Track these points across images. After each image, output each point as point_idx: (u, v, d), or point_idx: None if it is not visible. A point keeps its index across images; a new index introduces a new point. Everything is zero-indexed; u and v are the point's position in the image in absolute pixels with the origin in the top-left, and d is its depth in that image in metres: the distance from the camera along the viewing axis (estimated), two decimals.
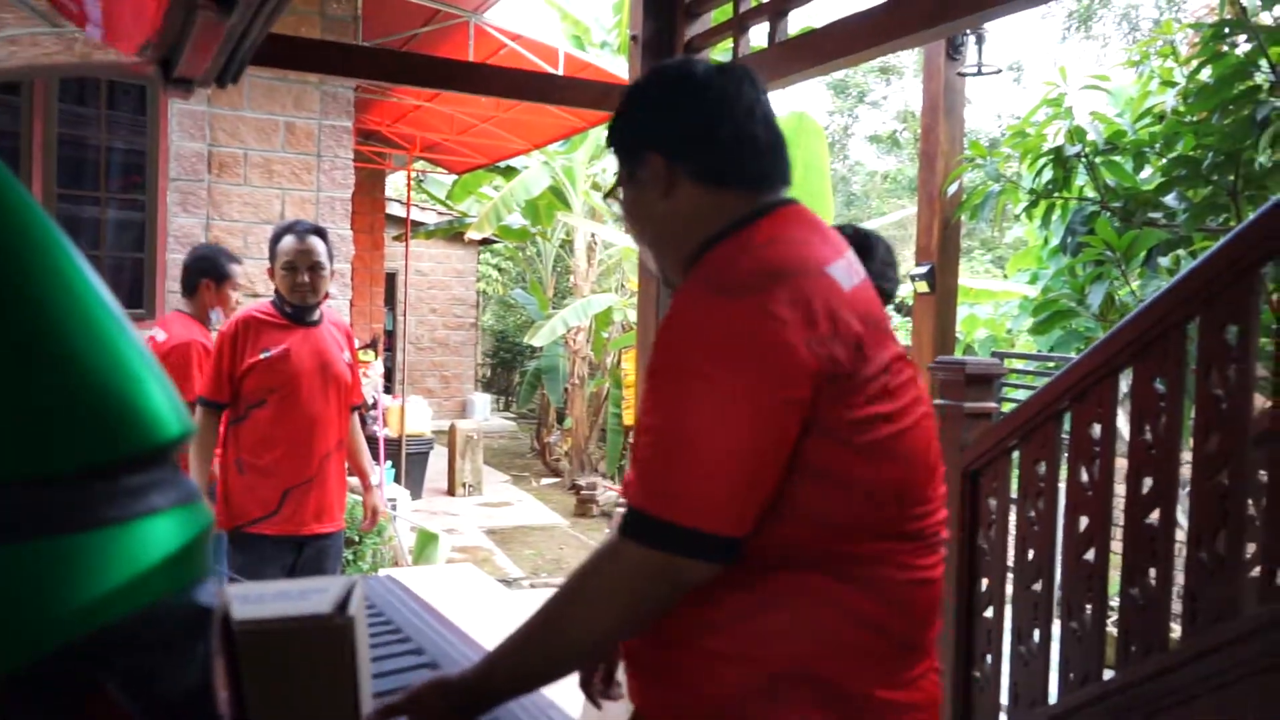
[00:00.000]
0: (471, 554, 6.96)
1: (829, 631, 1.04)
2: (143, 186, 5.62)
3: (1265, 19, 3.55)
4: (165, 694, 0.74)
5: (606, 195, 1.34)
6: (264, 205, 5.88)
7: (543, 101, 3.94)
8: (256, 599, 1.18)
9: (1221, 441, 2.08)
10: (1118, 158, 4.09)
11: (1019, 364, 6.36)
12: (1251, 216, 2.02)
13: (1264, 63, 3.32)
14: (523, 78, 3.93)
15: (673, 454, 1.02)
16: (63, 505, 0.68)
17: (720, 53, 3.72)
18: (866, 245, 2.08)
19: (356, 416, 3.37)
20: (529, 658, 1.10)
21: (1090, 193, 4.22)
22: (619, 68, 7.16)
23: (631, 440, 3.73)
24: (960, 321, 9.77)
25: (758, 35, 3.58)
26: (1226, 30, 3.39)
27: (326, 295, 3.18)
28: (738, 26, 3.44)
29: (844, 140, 20.45)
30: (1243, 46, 3.48)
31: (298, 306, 3.11)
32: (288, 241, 3.10)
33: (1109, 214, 4.03)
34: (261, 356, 3.03)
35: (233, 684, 1.06)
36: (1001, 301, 7.92)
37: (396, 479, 8.00)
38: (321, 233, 3.15)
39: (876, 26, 2.83)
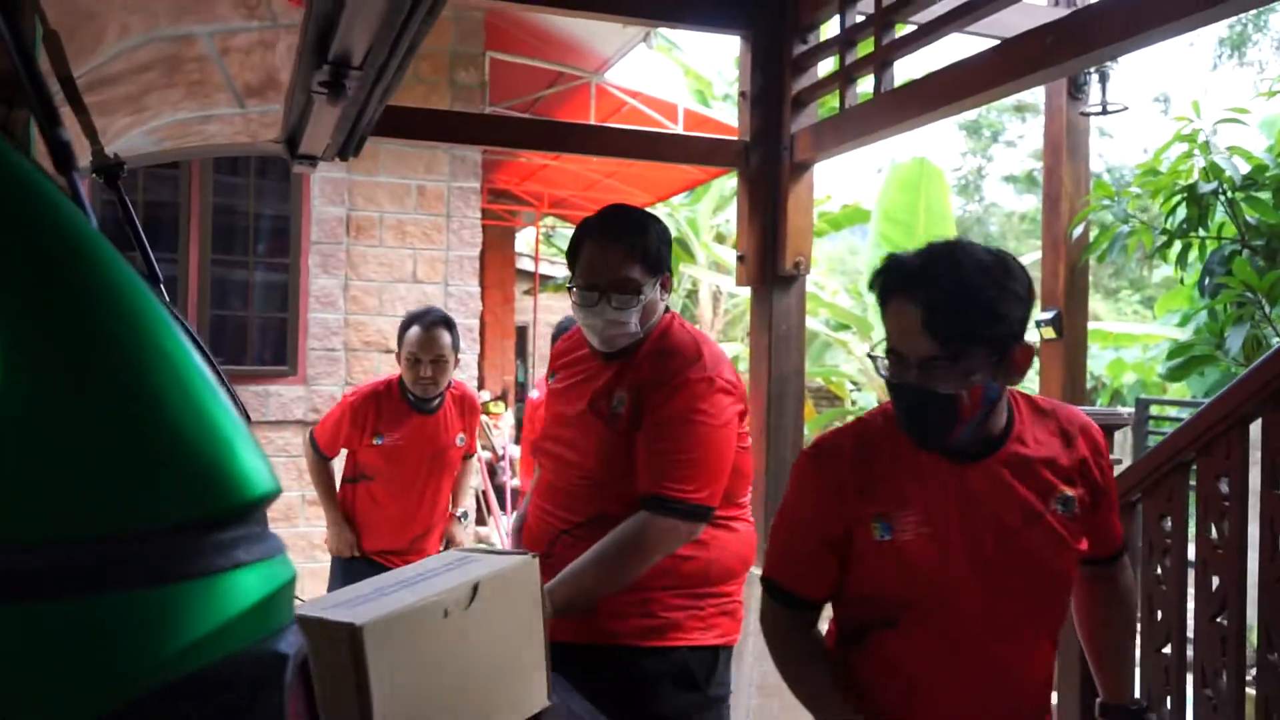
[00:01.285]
0: None
1: None
2: (287, 250, 5.98)
3: None
4: None
5: None
6: (397, 265, 6.18)
7: (653, 159, 4.04)
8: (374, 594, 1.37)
9: None
10: (1260, 194, 3.89)
11: (1172, 410, 6.04)
12: None
13: None
14: (635, 136, 4.04)
15: None
16: (157, 559, 0.75)
17: (828, 109, 3.74)
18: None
19: (470, 462, 3.51)
20: None
21: (1232, 231, 4.02)
22: None
23: None
24: (1106, 366, 9.35)
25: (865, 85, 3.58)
26: None
27: (449, 386, 3.28)
28: (844, 78, 3.45)
29: (978, 181, 19.98)
30: None
31: (418, 397, 3.21)
32: (414, 333, 3.13)
33: (1250, 253, 3.83)
34: (375, 442, 3.17)
35: None
36: (1150, 345, 7.56)
37: None
38: (449, 324, 3.19)
39: (984, 72, 2.80)
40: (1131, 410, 6.90)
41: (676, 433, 1.79)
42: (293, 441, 5.89)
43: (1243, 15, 15.17)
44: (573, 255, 1.95)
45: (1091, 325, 8.16)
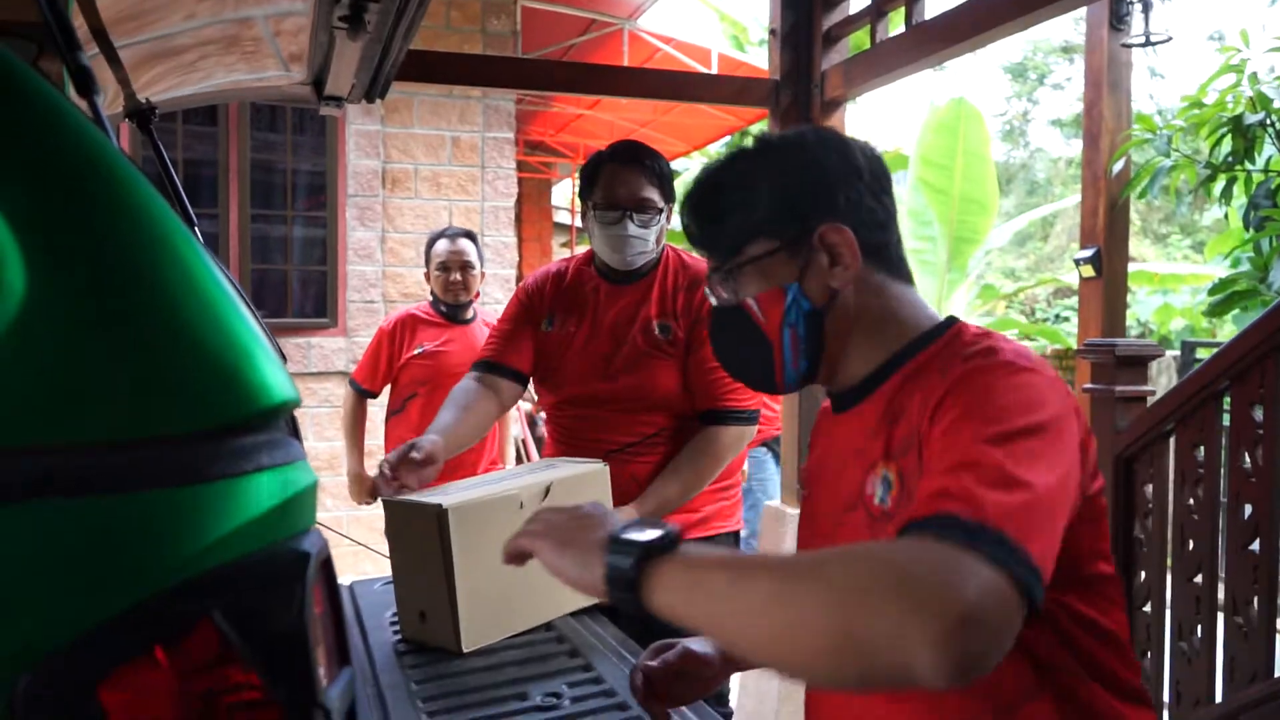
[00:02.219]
0: None
1: None
2: (324, 204, 6.05)
3: None
4: (265, 629, 0.85)
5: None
6: (433, 217, 6.22)
7: (682, 99, 4.00)
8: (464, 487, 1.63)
9: None
10: None
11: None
12: None
13: None
14: (664, 77, 4.01)
15: None
16: (178, 461, 0.79)
17: (857, 44, 3.67)
18: None
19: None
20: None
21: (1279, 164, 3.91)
22: None
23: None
24: (1154, 312, 9.18)
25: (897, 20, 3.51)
26: None
27: (477, 295, 3.38)
28: (875, 12, 3.39)
29: (1024, 126, 19.55)
30: None
31: (451, 305, 3.36)
32: (441, 245, 3.36)
33: None
34: (416, 352, 3.26)
35: (332, 631, 1.18)
36: (1199, 288, 7.41)
37: None
38: (471, 236, 3.39)
39: (1007, 1, 2.73)
40: (1168, 353, 6.78)
41: None
42: (335, 392, 5.99)
43: None
44: (590, 181, 2.04)
45: (1137, 267, 8.01)
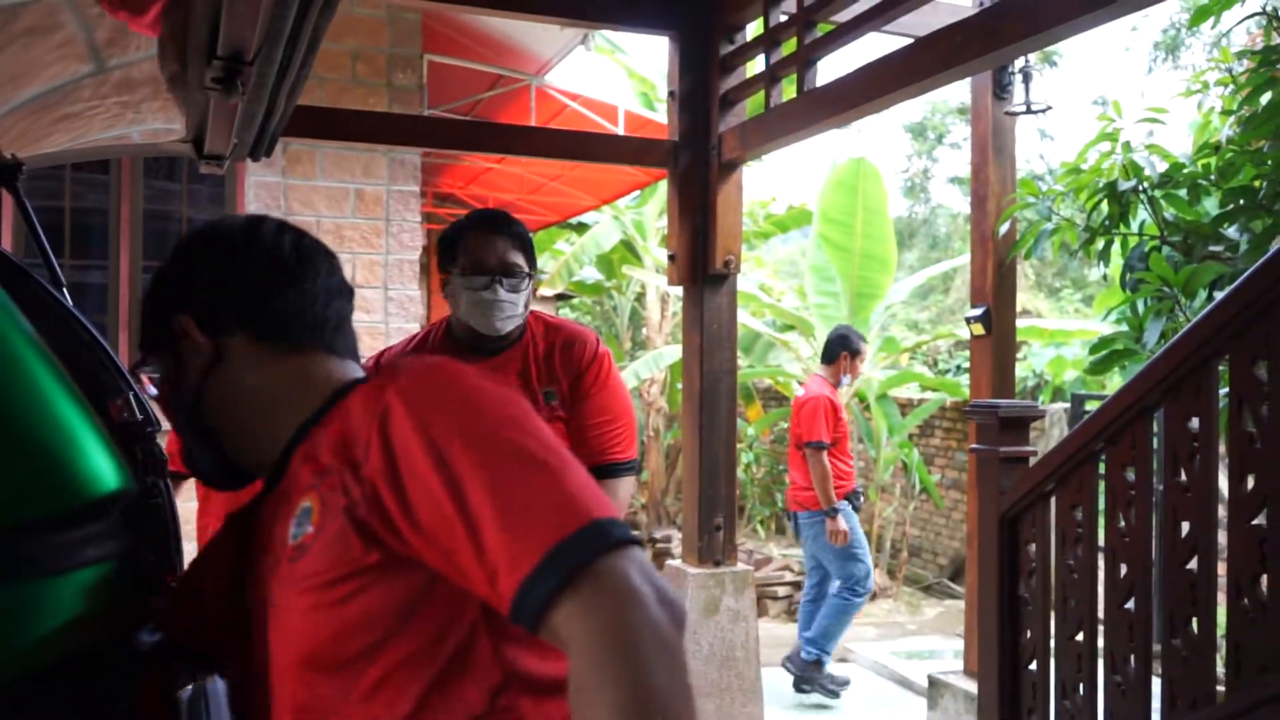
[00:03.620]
0: None
1: None
2: None
3: None
4: None
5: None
6: None
7: (584, 159, 4.03)
8: None
9: (1258, 482, 1.98)
10: (1178, 191, 3.98)
11: None
12: (1271, 251, 1.94)
13: None
14: (566, 137, 4.03)
15: None
16: (1, 557, 0.73)
17: (755, 106, 3.76)
18: None
19: None
20: None
21: (1153, 228, 4.10)
22: None
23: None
24: (1048, 363, 9.52)
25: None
26: (1275, 58, 3.29)
27: None
28: (769, 78, 3.48)
29: (924, 182, 20.22)
30: None
31: None
32: None
33: (1170, 248, 3.90)
34: None
35: None
36: (1089, 341, 7.70)
37: None
38: None
39: (898, 71, 2.83)
40: (1058, 405, 7.03)
41: (614, 405, 2.10)
42: None
43: (1175, 20, 15.51)
44: (451, 249, 2.05)
45: (1031, 323, 8.32)
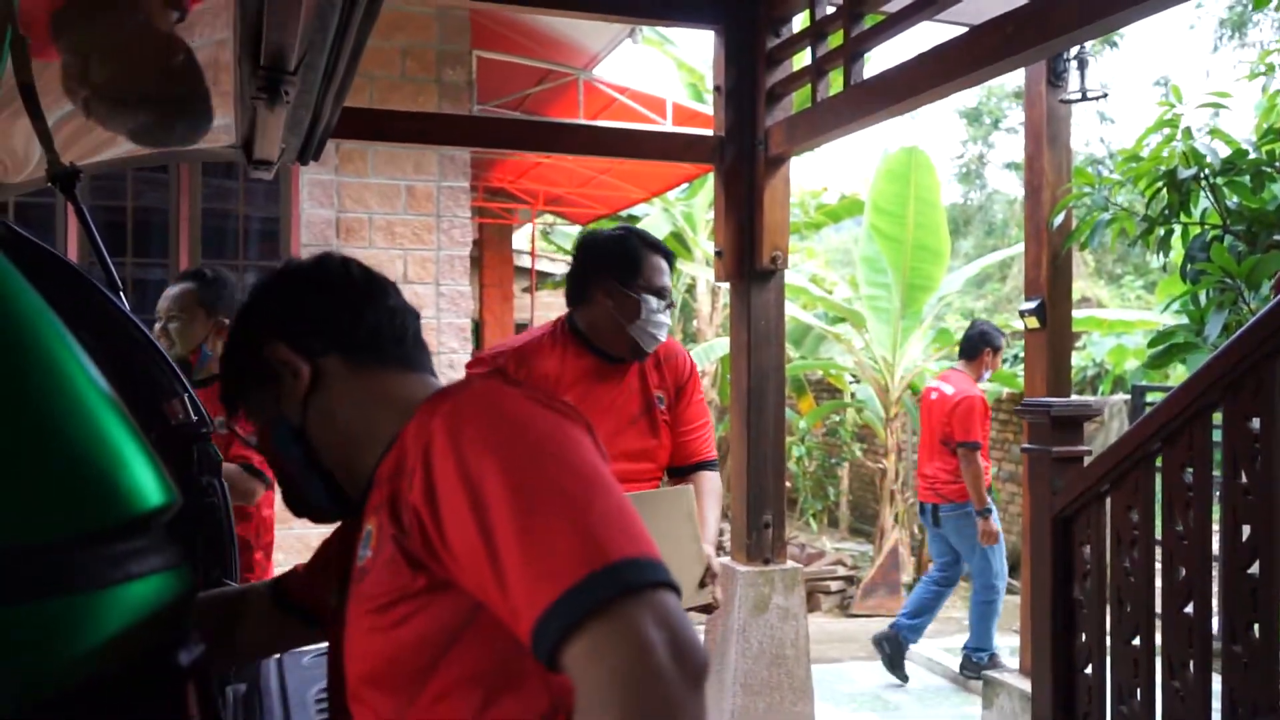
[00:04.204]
0: None
1: None
2: (277, 253, 5.99)
3: None
4: None
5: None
6: (387, 266, 6.18)
7: (630, 156, 4.03)
8: None
9: None
10: (1240, 178, 3.85)
11: None
12: None
13: None
14: (612, 133, 4.03)
15: None
16: (42, 573, 0.75)
17: (802, 100, 3.72)
18: None
19: None
20: None
21: (1215, 216, 3.98)
22: None
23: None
24: (1108, 353, 9.30)
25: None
26: None
27: (197, 352, 2.94)
28: (815, 72, 3.44)
29: (980, 169, 19.87)
30: None
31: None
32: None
33: (1233, 238, 3.79)
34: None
35: None
36: (1151, 331, 7.52)
37: None
38: (198, 275, 2.96)
39: (947, 63, 2.78)
40: (1119, 397, 6.87)
41: (705, 411, 2.37)
42: None
43: None
44: (632, 266, 2.18)
45: (1090, 312, 8.12)
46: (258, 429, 1.09)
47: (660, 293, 2.18)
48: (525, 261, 11.82)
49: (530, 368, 2.18)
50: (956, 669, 4.97)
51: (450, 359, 5.94)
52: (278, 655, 1.88)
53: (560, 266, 13.06)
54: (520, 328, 12.96)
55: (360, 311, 1.07)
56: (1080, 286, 14.54)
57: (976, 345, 4.91)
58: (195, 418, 2.24)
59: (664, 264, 2.22)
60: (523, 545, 0.79)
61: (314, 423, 1.04)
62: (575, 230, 11.53)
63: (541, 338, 2.25)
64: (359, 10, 1.60)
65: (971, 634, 4.89)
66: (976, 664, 4.78)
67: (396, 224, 6.23)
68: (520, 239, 11.83)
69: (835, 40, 3.36)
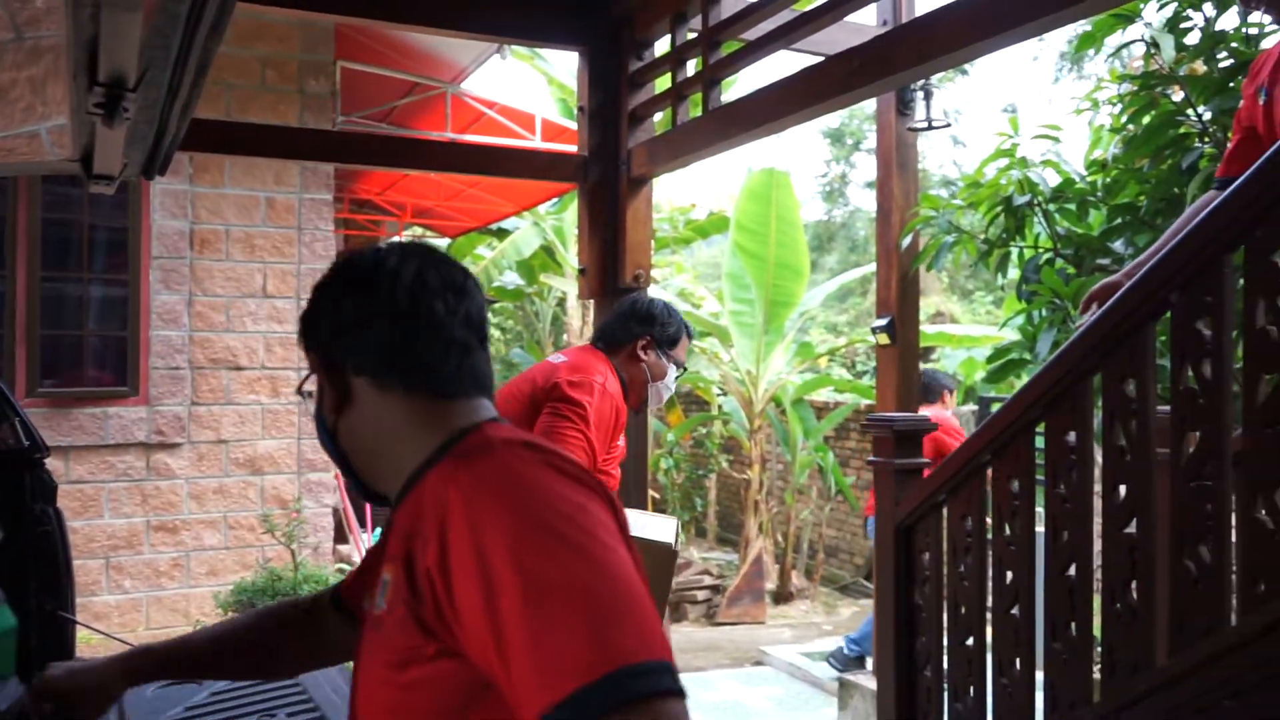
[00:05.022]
0: None
1: None
2: (125, 265, 5.74)
3: (1199, 68, 3.61)
4: None
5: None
6: (246, 280, 6.00)
7: (495, 174, 4.04)
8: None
9: (1128, 493, 2.09)
10: (1070, 205, 4.14)
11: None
12: (1138, 275, 2.05)
13: (1192, 111, 3.37)
14: (477, 151, 4.03)
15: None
16: None
17: (664, 123, 3.81)
18: None
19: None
20: None
21: (1049, 241, 4.26)
22: None
23: None
24: (959, 365, 9.79)
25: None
26: (1154, 82, 3.45)
27: None
28: (676, 95, 3.53)
29: (842, 187, 20.60)
30: (1179, 94, 3.53)
31: None
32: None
33: (1063, 261, 4.06)
34: None
35: None
36: (999, 345, 7.95)
37: None
38: None
39: (796, 94, 2.91)
40: (967, 408, 7.24)
41: None
42: (135, 465, 5.65)
43: (1076, 35, 16.06)
44: (675, 335, 2.70)
45: (941, 328, 8.55)
46: (314, 412, 1.09)
47: (681, 368, 2.72)
48: None
49: (617, 406, 2.55)
50: (817, 674, 5.14)
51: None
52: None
53: None
54: None
55: (392, 338, 1.01)
56: (935, 301, 15.25)
57: (933, 390, 5.30)
58: (27, 442, 2.15)
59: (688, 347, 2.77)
60: (530, 638, 0.77)
61: (343, 432, 1.05)
62: (444, 243, 11.41)
63: (613, 378, 2.61)
64: (203, 28, 1.57)
65: (861, 630, 4.92)
66: (846, 656, 4.86)
67: (256, 236, 6.05)
68: None
69: (697, 65, 3.46)
